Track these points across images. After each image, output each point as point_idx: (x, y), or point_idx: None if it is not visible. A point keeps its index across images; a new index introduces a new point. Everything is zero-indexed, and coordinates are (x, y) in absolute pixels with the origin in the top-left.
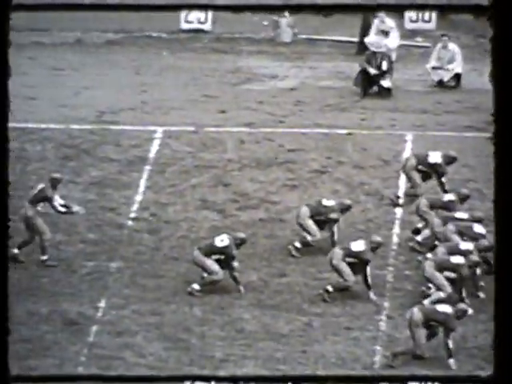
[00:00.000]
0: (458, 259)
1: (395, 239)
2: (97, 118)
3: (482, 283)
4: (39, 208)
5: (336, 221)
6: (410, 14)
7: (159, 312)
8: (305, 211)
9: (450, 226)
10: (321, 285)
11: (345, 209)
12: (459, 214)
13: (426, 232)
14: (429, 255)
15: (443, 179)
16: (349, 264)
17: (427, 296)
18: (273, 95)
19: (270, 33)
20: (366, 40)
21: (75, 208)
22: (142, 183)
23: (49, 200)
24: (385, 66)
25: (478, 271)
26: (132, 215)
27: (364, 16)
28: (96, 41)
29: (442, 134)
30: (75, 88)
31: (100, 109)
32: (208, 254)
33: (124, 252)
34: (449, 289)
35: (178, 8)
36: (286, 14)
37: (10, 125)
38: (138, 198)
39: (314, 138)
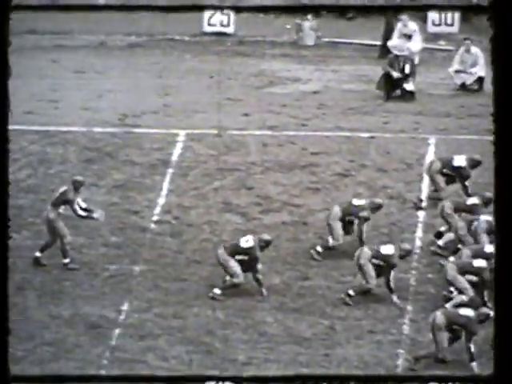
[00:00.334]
0: (480, 263)
1: (418, 243)
2: (119, 121)
3: None
4: (61, 211)
5: (366, 219)
6: (433, 18)
7: (182, 315)
8: (336, 211)
9: (482, 224)
10: (344, 288)
11: (375, 208)
12: (484, 218)
13: (448, 235)
14: (451, 258)
15: (467, 183)
16: (374, 266)
17: (450, 299)
18: (296, 98)
19: (293, 36)
20: (389, 43)
21: (96, 214)
22: (165, 186)
23: (70, 203)
24: (407, 69)
25: None
26: (155, 218)
27: (387, 19)
28: (119, 44)
29: (464, 137)
30: (98, 91)
31: (123, 112)
32: (232, 254)
33: (147, 255)
34: (471, 292)
35: (199, 9)
36: (309, 17)
37: (33, 128)
38: (161, 201)
39: (336, 141)
